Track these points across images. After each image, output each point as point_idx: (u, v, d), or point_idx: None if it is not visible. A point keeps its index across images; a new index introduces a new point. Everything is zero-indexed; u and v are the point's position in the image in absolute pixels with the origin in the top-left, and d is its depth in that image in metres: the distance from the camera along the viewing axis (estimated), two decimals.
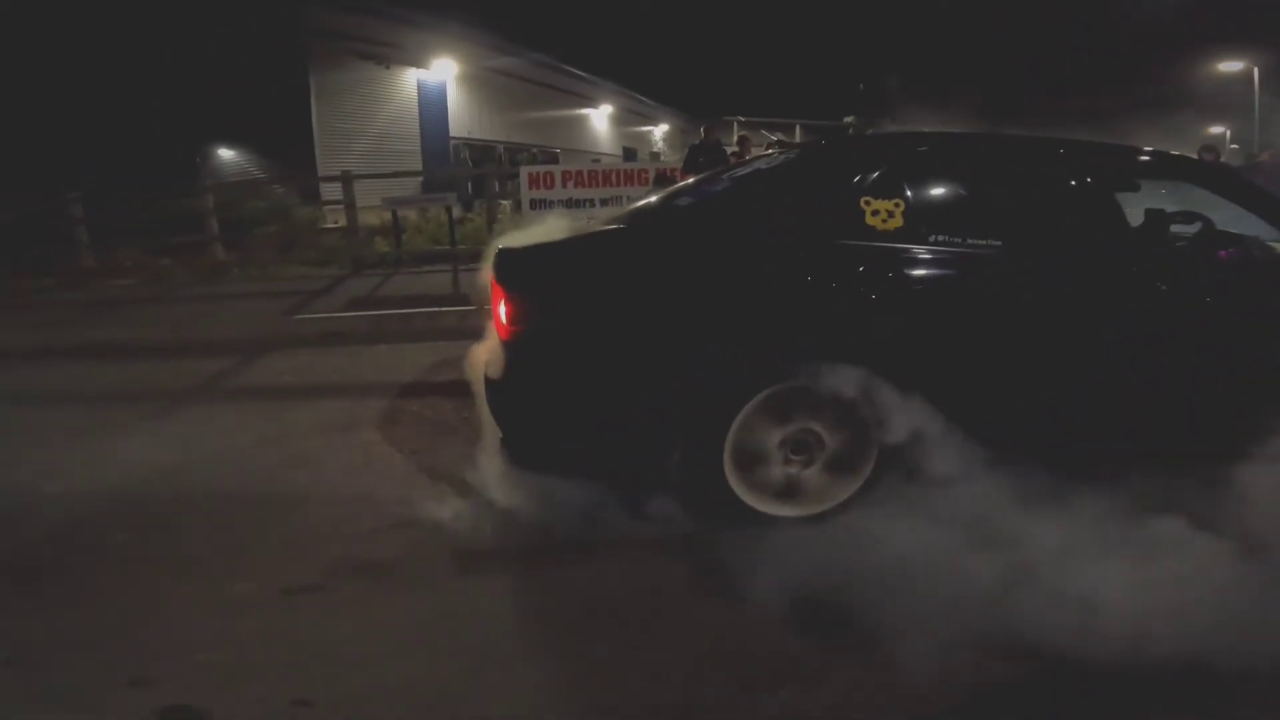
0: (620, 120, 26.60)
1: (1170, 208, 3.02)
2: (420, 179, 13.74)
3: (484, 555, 2.40)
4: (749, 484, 2.41)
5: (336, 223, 10.26)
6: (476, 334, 3.24)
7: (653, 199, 3.04)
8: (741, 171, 2.99)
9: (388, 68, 15.89)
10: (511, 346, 2.40)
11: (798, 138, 16.73)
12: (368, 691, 1.76)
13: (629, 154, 25.26)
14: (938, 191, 2.64)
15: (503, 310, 2.39)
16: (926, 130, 3.56)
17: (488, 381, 2.52)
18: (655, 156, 22.76)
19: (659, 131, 29.25)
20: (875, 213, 2.47)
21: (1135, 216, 2.95)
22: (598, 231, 2.60)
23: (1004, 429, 2.38)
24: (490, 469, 2.74)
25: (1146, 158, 2.97)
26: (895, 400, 2.32)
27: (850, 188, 2.51)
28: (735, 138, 8.30)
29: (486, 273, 2.49)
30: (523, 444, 2.53)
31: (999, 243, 2.49)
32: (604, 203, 9.08)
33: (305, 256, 9.75)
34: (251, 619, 2.06)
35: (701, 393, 2.34)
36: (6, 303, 7.98)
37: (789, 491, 2.43)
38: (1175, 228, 3.00)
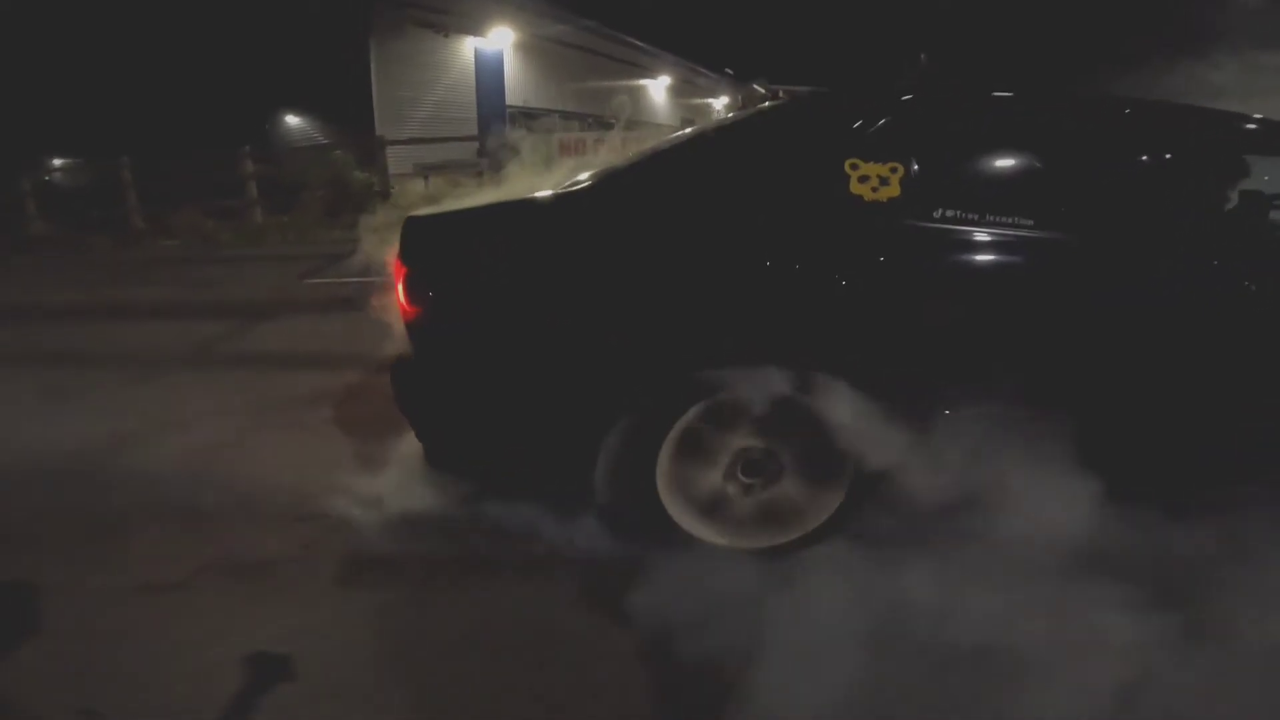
0: (679, 91, 25.69)
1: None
2: (476, 144, 13.55)
3: (381, 563, 2.08)
4: (687, 505, 1.98)
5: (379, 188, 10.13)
6: None
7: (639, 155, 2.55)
8: (709, 128, 2.48)
9: (446, 36, 15.67)
10: (412, 331, 2.03)
11: None
12: (168, 711, 1.50)
13: (688, 124, 24.42)
14: (950, 155, 2.01)
15: (402, 289, 2.00)
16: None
17: (392, 370, 2.14)
18: None
19: (719, 104, 28.16)
20: (864, 178, 1.89)
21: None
22: (520, 199, 2.16)
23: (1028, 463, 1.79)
24: (413, 467, 2.42)
25: (1253, 125, 2.19)
26: (879, 416, 1.80)
27: (832, 146, 1.95)
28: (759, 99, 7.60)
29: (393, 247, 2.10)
30: (432, 443, 2.17)
31: (1030, 223, 1.89)
32: None
33: (348, 221, 9.67)
34: (93, 615, 1.83)
35: (631, 395, 1.90)
36: (57, 260, 8.19)
37: (738, 518, 1.98)
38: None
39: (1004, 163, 2.08)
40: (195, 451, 2.82)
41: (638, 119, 22.06)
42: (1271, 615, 1.60)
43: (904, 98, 2.11)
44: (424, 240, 2.04)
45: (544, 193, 2.17)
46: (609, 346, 1.89)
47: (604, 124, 19.25)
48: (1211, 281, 1.94)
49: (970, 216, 1.87)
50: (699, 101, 27.67)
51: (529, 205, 2.11)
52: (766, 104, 2.87)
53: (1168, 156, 2.03)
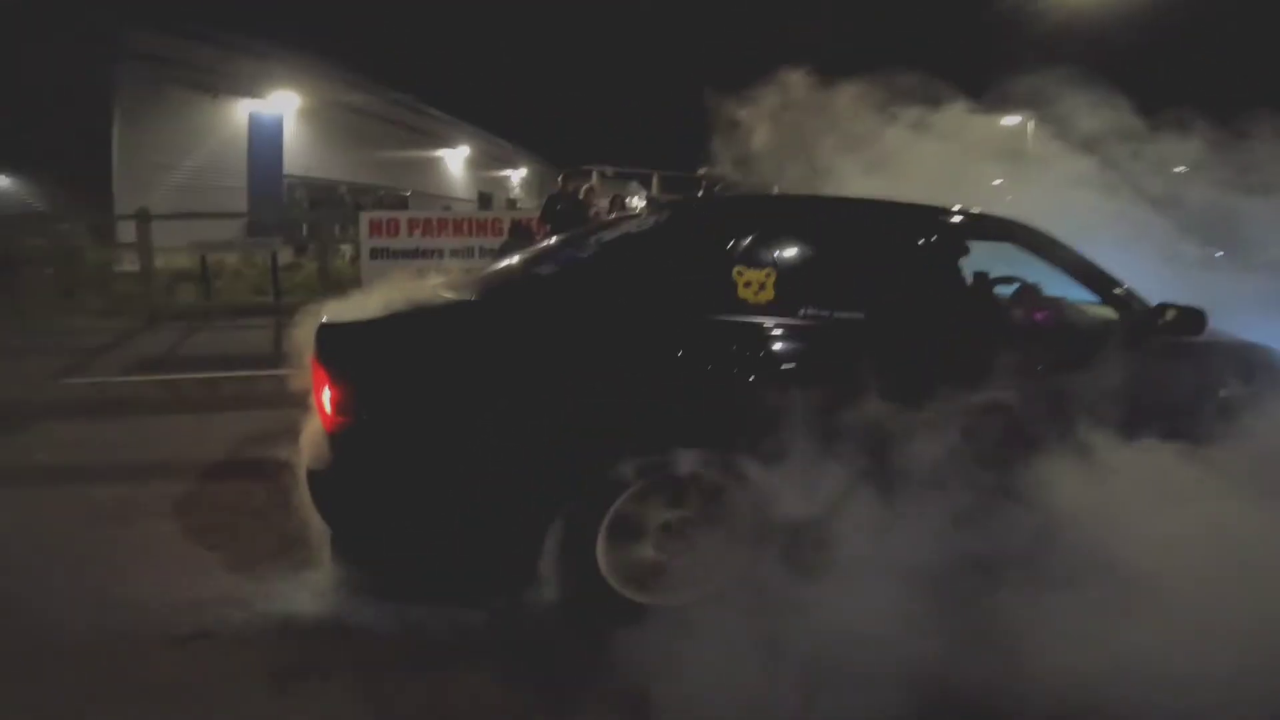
0: (477, 163, 26.49)
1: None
2: (245, 220, 12.85)
3: (302, 673, 2.11)
4: (624, 575, 2.30)
5: (134, 266, 9.22)
6: (300, 402, 2.84)
7: (509, 263, 2.93)
8: (608, 235, 2.87)
9: (214, 97, 14.92)
10: (339, 440, 2.18)
11: (654, 188, 17.36)
12: None
13: (484, 199, 25.12)
14: (806, 260, 2.61)
15: (326, 398, 2.18)
16: (791, 194, 3.53)
17: (310, 475, 2.28)
18: (512, 203, 22.81)
19: (517, 176, 29.40)
20: (748, 284, 2.45)
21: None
22: (442, 304, 2.42)
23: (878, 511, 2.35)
24: (317, 568, 2.49)
25: (977, 221, 2.99)
26: (771, 485, 2.27)
27: (722, 256, 2.48)
28: (586, 187, 8.40)
29: (306, 347, 2.27)
30: (356, 548, 2.30)
31: (861, 315, 2.51)
32: (454, 254, 8.84)
33: (91, 305, 8.65)
34: None
35: (570, 491, 2.21)
36: None
37: (664, 579, 2.34)
38: (998, 290, 3.24)
39: (840, 265, 2.69)
40: (15, 579, 2.56)
41: (434, 193, 22.31)
42: None
43: (771, 212, 2.73)
44: (348, 347, 2.22)
45: (461, 296, 2.45)
46: (552, 449, 2.18)
47: (398, 197, 19.27)
48: (982, 352, 2.54)
49: (824, 313, 2.49)
50: (498, 174, 28.68)
51: (451, 312, 2.37)
52: (650, 213, 3.15)
53: (940, 246, 2.74)
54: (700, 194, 8.32)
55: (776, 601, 2.24)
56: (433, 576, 2.31)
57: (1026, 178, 5.01)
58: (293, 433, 2.74)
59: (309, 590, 2.43)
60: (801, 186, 5.28)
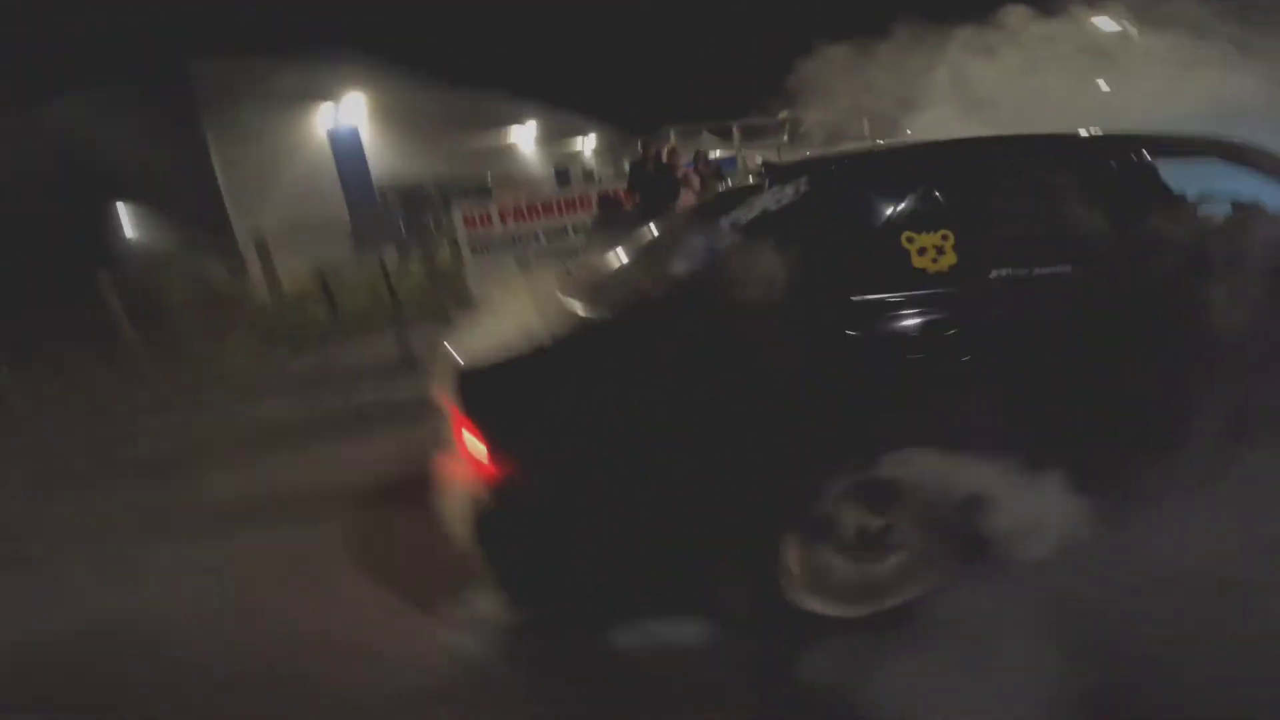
0: (546, 140, 26.29)
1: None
2: (349, 232, 13.32)
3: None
4: (812, 590, 2.17)
5: (260, 291, 9.69)
6: (432, 412, 2.80)
7: (633, 259, 2.72)
8: (743, 217, 2.46)
9: (292, 111, 15.31)
10: (497, 491, 2.10)
11: (735, 139, 16.64)
12: None
13: (561, 175, 24.97)
14: (987, 212, 2.25)
15: (474, 447, 2.11)
16: (950, 139, 2.77)
17: (469, 520, 2.21)
18: (589, 174, 22.52)
19: (587, 147, 28.99)
20: (922, 250, 2.15)
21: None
22: (581, 329, 2.22)
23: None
24: (478, 609, 2.42)
25: (1171, 140, 2.60)
26: (967, 478, 2.06)
27: (886, 223, 2.19)
28: (668, 149, 8.07)
29: (439, 385, 2.19)
30: (526, 594, 2.24)
31: (1068, 267, 2.19)
32: (549, 235, 8.82)
33: (234, 335, 9.13)
34: None
35: (745, 519, 2.08)
36: None
37: (857, 591, 2.19)
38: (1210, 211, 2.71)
39: (1033, 212, 2.30)
40: (202, 631, 2.66)
41: (513, 174, 22.39)
42: None
43: (931, 162, 2.38)
44: (494, 397, 2.13)
45: (592, 309, 2.28)
46: (729, 472, 2.03)
47: (481, 188, 19.42)
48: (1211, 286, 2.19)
49: (1022, 271, 2.17)
50: (569, 150, 28.39)
51: (594, 339, 2.20)
52: (780, 181, 2.49)
53: (1144, 174, 2.37)
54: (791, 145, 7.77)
55: (987, 609, 2.04)
56: (599, 614, 2.25)
57: (1138, 75, 4.38)
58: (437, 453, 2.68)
59: (471, 632, 2.36)
60: (890, 125, 4.87)
